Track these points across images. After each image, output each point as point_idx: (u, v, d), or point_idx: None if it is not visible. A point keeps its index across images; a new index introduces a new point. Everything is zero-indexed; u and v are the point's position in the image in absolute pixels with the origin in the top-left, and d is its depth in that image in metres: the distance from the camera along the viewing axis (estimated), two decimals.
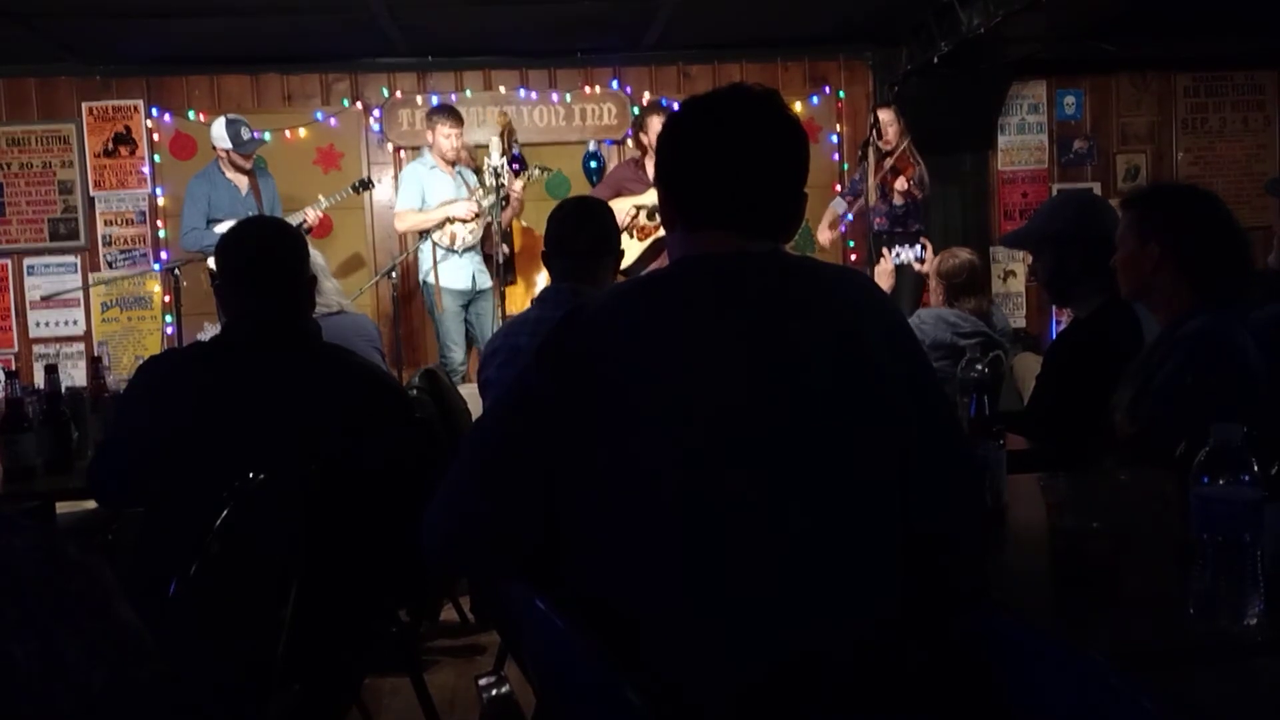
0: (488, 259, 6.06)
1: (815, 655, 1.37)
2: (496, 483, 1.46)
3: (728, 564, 1.36)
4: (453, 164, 5.99)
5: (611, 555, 1.41)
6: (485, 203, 5.78)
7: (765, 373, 1.41)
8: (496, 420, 1.55)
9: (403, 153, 6.79)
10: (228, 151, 5.78)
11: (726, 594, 1.36)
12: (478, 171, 6.18)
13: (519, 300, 6.20)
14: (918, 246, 4.99)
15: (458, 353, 5.92)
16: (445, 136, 5.89)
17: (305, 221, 5.77)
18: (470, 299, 6.00)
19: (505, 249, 5.99)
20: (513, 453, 1.46)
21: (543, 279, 6.26)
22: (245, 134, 5.79)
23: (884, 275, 4.73)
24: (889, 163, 5.89)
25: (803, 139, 1.56)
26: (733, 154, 1.52)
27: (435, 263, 5.79)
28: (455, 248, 5.88)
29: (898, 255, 4.85)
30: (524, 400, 1.48)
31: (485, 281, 6.05)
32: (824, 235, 6.31)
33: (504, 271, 5.71)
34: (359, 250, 6.88)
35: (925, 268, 4.67)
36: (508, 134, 6.03)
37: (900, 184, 5.89)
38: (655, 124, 5.75)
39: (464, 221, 5.84)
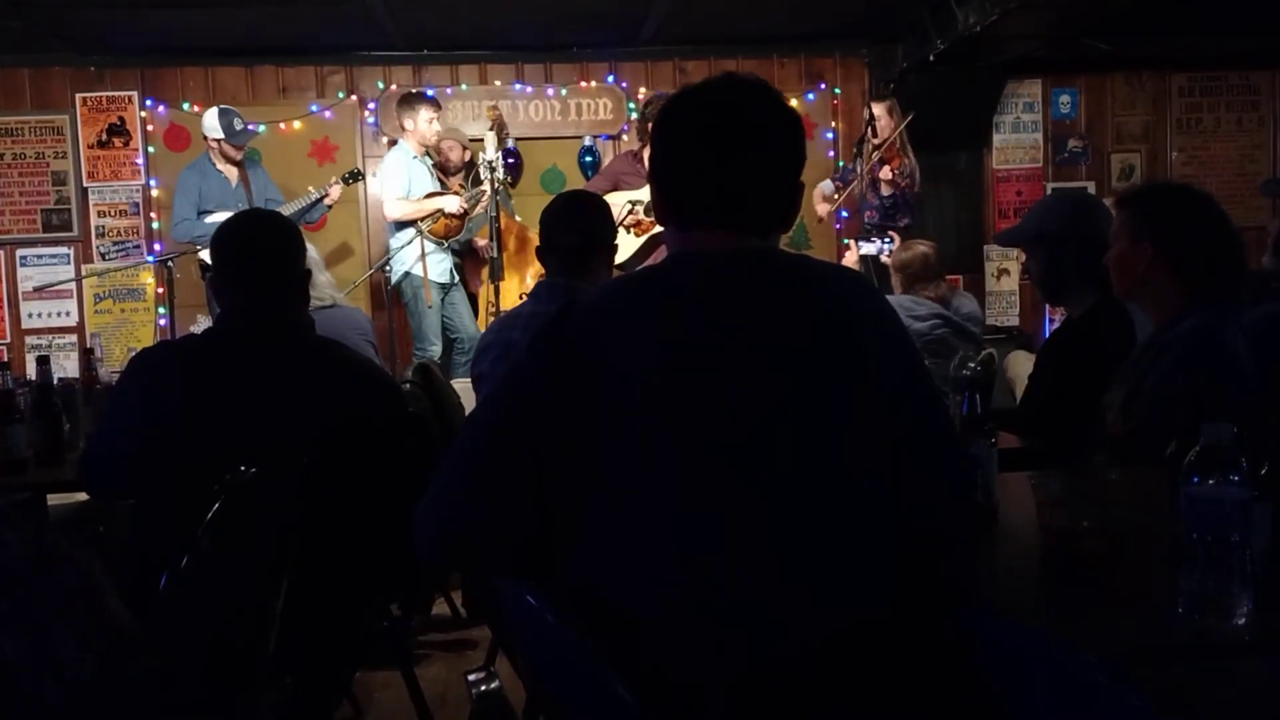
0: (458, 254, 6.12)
1: (808, 651, 1.37)
2: (490, 475, 1.45)
3: (719, 558, 1.36)
4: (425, 153, 5.99)
5: (603, 548, 1.41)
6: (482, 200, 5.76)
7: (757, 371, 1.40)
8: (490, 413, 1.54)
9: (394, 144, 6.78)
10: (219, 141, 5.76)
11: (718, 588, 1.36)
12: (439, 167, 6.21)
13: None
14: (885, 240, 5.06)
15: (438, 347, 5.91)
16: (429, 121, 5.88)
17: (328, 196, 5.83)
18: (447, 292, 6.02)
19: (481, 243, 6.03)
20: (506, 445, 1.45)
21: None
22: (238, 124, 5.78)
23: (848, 265, 4.83)
24: (877, 154, 5.89)
25: (798, 130, 1.54)
26: (724, 153, 1.50)
27: (424, 254, 5.79)
28: (446, 241, 5.88)
29: (863, 247, 4.95)
30: (518, 393, 1.48)
31: (456, 277, 6.09)
32: (821, 208, 6.26)
33: (495, 268, 5.70)
34: (352, 243, 6.87)
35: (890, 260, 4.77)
36: (499, 127, 6.02)
37: (885, 173, 5.89)
38: None
39: (454, 217, 5.84)
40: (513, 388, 1.50)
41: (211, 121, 5.76)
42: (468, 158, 6.32)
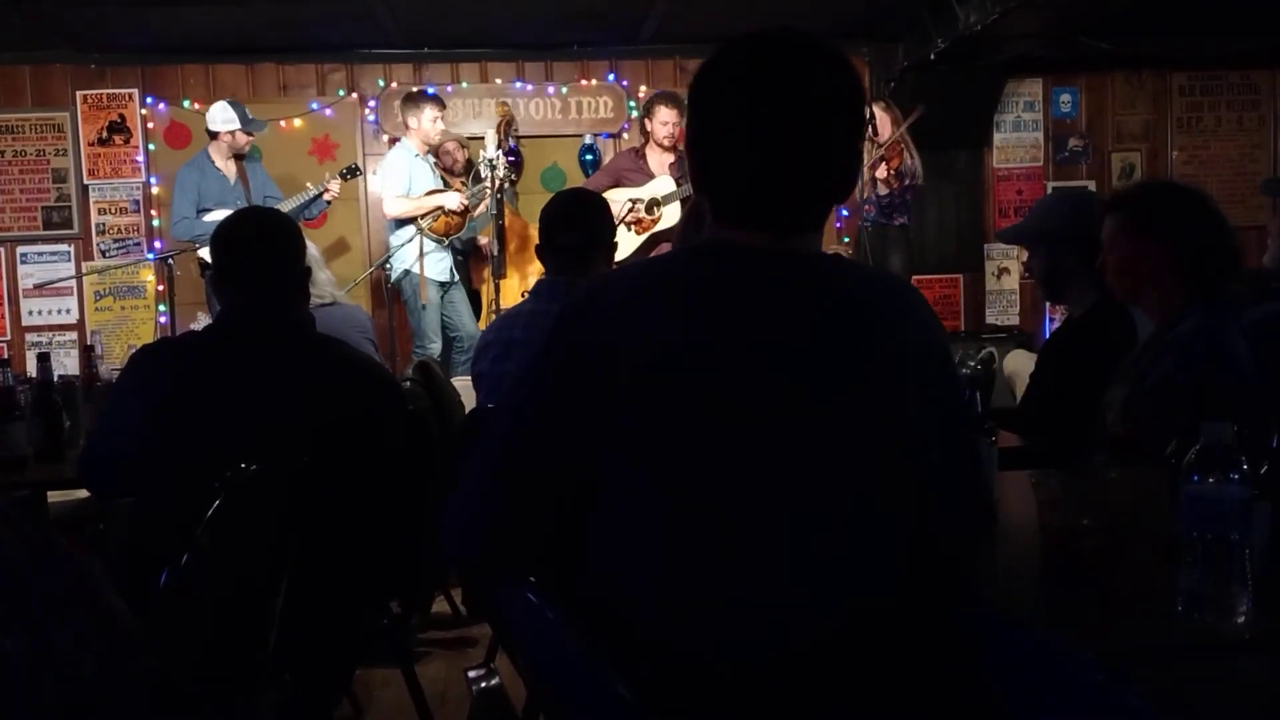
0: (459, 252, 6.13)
1: (812, 648, 1.36)
2: (518, 467, 1.43)
3: (726, 554, 1.36)
4: (428, 152, 6.00)
5: (608, 540, 1.41)
6: (485, 200, 5.76)
7: (762, 370, 1.39)
8: (517, 408, 1.50)
9: (396, 142, 6.79)
10: (233, 132, 5.73)
11: (723, 585, 1.36)
12: (446, 168, 6.23)
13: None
14: None
15: (437, 345, 5.92)
16: (433, 120, 5.87)
17: (327, 192, 5.83)
18: (446, 290, 6.02)
19: (483, 241, 6.03)
20: (531, 434, 1.43)
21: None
22: (249, 114, 5.79)
23: None
24: (879, 153, 5.91)
25: (860, 100, 1.42)
26: (764, 144, 1.38)
27: (422, 253, 5.79)
28: (447, 239, 5.88)
29: None
30: (540, 386, 1.45)
31: (456, 275, 6.10)
32: None
33: (497, 265, 5.70)
34: (352, 241, 6.87)
35: None
36: (506, 124, 6.02)
37: (880, 172, 5.90)
38: (663, 113, 5.73)
39: (456, 214, 5.85)
40: (534, 381, 1.47)
41: (227, 114, 5.72)
42: (465, 155, 6.32)
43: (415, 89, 6.34)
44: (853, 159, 1.45)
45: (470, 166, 6.30)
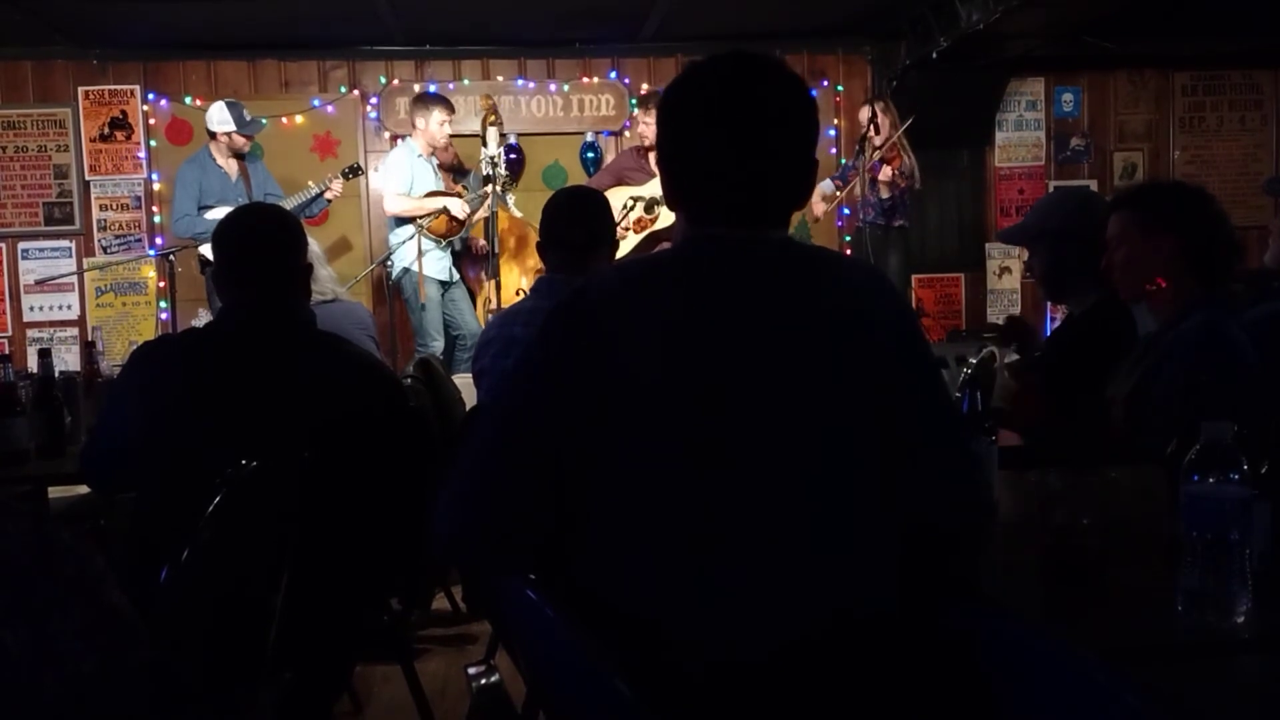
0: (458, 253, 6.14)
1: (813, 643, 1.37)
2: (515, 459, 1.43)
3: (724, 546, 1.36)
4: (432, 153, 6.00)
5: (607, 534, 1.41)
6: (485, 202, 5.75)
7: (766, 360, 1.40)
8: (511, 399, 1.50)
9: (399, 141, 6.79)
10: (229, 134, 5.73)
11: (721, 579, 1.36)
12: (455, 169, 6.21)
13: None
14: None
15: (439, 343, 5.93)
16: (440, 124, 5.88)
17: (329, 191, 5.84)
18: (448, 289, 6.03)
19: (483, 242, 6.03)
20: (535, 429, 1.43)
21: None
22: (247, 115, 5.79)
23: None
24: (877, 154, 5.90)
25: (813, 110, 1.50)
26: (741, 150, 1.45)
27: (421, 252, 5.79)
28: (445, 239, 5.88)
29: None
30: (536, 377, 1.46)
31: (456, 274, 6.11)
32: (819, 208, 6.24)
33: (491, 265, 5.71)
34: (354, 238, 6.87)
35: None
36: (491, 114, 6.00)
37: (884, 174, 5.90)
38: (649, 114, 5.74)
39: (457, 219, 5.85)
40: (530, 372, 1.48)
41: (223, 115, 5.72)
42: (454, 152, 6.32)
43: (422, 90, 6.33)
44: (814, 161, 1.54)
45: (465, 173, 6.31)
